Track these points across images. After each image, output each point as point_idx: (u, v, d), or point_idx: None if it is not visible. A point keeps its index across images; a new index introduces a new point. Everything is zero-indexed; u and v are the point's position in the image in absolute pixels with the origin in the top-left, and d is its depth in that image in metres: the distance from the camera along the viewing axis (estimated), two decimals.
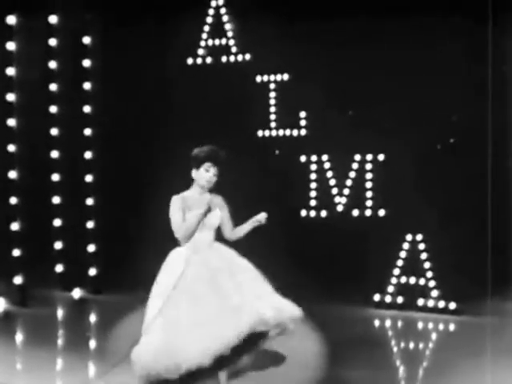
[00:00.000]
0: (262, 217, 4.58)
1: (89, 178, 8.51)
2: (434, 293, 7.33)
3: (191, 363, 4.18)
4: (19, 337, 6.89)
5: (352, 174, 8.26)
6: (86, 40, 8.56)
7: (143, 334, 4.38)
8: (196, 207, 4.43)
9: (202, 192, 4.53)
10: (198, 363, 4.18)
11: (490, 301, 6.91)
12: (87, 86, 8.55)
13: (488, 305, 6.91)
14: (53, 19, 8.36)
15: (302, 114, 8.54)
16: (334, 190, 8.35)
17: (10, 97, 7.93)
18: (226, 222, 4.61)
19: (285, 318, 4.41)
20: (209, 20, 8.87)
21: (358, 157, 8.23)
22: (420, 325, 7.05)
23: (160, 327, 4.29)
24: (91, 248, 8.47)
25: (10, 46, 7.95)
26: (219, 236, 4.68)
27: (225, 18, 8.81)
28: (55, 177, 8.37)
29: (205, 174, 4.50)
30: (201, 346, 4.18)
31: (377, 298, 7.49)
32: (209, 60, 8.89)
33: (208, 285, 4.33)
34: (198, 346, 4.18)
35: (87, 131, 8.54)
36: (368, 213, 8.17)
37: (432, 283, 7.36)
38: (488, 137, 7.48)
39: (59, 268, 8.34)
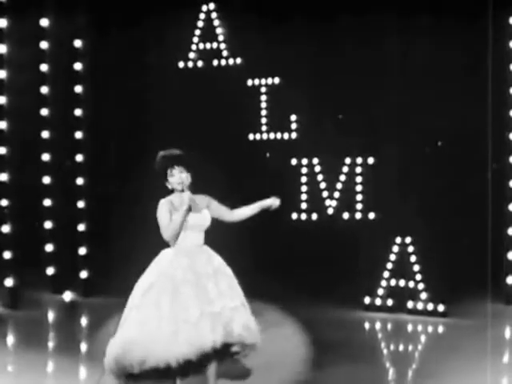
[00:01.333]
0: (273, 202, 4.60)
1: (80, 181, 8.52)
2: (423, 295, 7.38)
3: (157, 361, 4.25)
4: (10, 339, 6.88)
5: (342, 178, 8.31)
6: (78, 43, 8.57)
7: (119, 328, 4.46)
8: (180, 208, 4.51)
9: (187, 191, 4.60)
10: (165, 362, 4.24)
11: (488, 303, 6.96)
12: (78, 89, 8.56)
13: (488, 307, 6.96)
14: (44, 22, 8.37)
15: (293, 118, 8.59)
16: (325, 193, 8.39)
17: (1, 100, 7.94)
18: (219, 209, 4.66)
19: (248, 340, 4.44)
20: (200, 24, 8.90)
21: (348, 160, 8.28)
22: (409, 327, 7.09)
23: (135, 323, 4.36)
24: (82, 251, 8.48)
25: (1, 48, 7.95)
26: (207, 240, 4.71)
27: (216, 22, 8.85)
28: (46, 180, 8.37)
29: (171, 179, 4.61)
30: (172, 348, 4.25)
31: (367, 300, 7.53)
32: (200, 64, 8.92)
33: (193, 288, 4.38)
34: (169, 347, 4.25)
35: (78, 134, 8.55)
36: (358, 216, 8.22)
37: (421, 286, 7.41)
38: (475, 140, 7.56)
39: (50, 271, 8.33)
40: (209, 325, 4.31)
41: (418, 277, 7.43)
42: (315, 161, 8.46)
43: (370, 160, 8.19)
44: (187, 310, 4.32)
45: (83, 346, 6.57)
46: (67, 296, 8.18)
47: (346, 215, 8.26)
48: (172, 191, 4.63)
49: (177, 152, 4.64)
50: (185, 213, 4.46)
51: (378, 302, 7.49)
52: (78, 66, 8.55)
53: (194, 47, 8.93)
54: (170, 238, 4.47)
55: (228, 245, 4.83)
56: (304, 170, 8.50)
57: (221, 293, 4.42)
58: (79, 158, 8.54)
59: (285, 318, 7.05)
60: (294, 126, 8.59)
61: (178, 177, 4.58)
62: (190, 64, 8.95)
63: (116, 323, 6.81)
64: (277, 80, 8.62)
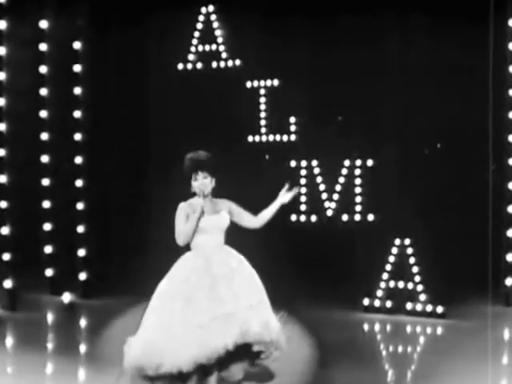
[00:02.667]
0: (286, 195, 4.76)
1: (79, 183, 8.52)
2: (422, 297, 7.39)
3: (172, 366, 4.31)
4: (9, 341, 6.88)
5: (341, 179, 8.32)
6: (77, 45, 8.57)
7: (140, 329, 4.53)
8: (193, 213, 4.59)
9: (202, 196, 4.64)
10: (178, 367, 4.31)
11: (489, 305, 6.97)
12: (78, 90, 8.56)
13: (488, 308, 6.96)
14: (43, 24, 8.38)
15: (292, 120, 8.60)
16: (324, 195, 8.40)
17: (1, 101, 7.94)
18: (241, 214, 4.74)
19: (267, 337, 4.44)
20: (199, 26, 8.91)
21: (347, 162, 8.29)
22: (408, 328, 7.10)
23: (152, 325, 4.44)
24: (81, 252, 8.47)
25: (1, 50, 7.96)
26: (228, 241, 4.75)
27: (215, 24, 8.86)
28: (45, 181, 8.37)
29: (194, 184, 4.66)
30: (184, 352, 4.30)
31: (366, 301, 7.54)
32: (199, 65, 8.93)
33: (206, 292, 4.44)
34: (181, 351, 4.30)
35: (77, 136, 8.55)
36: (357, 217, 8.22)
37: (420, 287, 7.42)
38: (473, 142, 7.57)
39: (49, 272, 8.33)
40: (220, 327, 4.35)
41: (417, 278, 7.44)
42: (314, 163, 8.47)
43: (369, 162, 8.20)
44: (200, 315, 4.37)
45: (82, 348, 6.57)
46: (66, 298, 8.17)
47: (345, 217, 8.27)
48: (194, 194, 4.68)
49: (203, 156, 4.66)
50: (195, 221, 4.54)
51: (377, 303, 7.50)
52: (77, 67, 8.55)
53: (193, 49, 8.94)
54: (180, 243, 4.59)
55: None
56: (303, 172, 8.50)
57: (235, 293, 4.44)
58: (78, 159, 8.54)
59: (284, 320, 7.04)
60: (293, 127, 8.60)
61: (201, 182, 4.63)
62: (189, 66, 8.96)
63: (116, 325, 6.84)
64: (276, 82, 8.63)
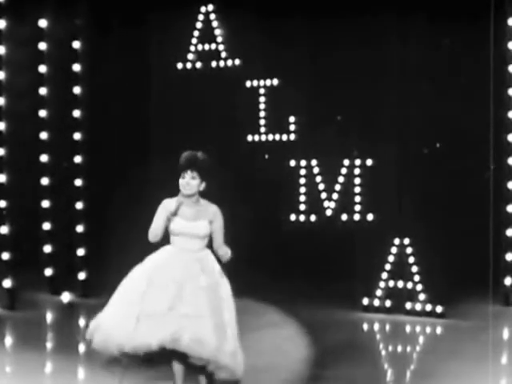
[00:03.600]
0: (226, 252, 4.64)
1: (78, 182, 8.52)
2: (422, 296, 7.39)
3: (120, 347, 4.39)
4: (8, 340, 6.87)
5: (341, 179, 8.31)
6: (76, 44, 8.56)
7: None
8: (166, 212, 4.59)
9: (182, 197, 4.60)
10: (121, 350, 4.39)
11: (490, 304, 6.97)
12: (77, 90, 8.55)
13: (489, 308, 6.96)
14: (43, 23, 8.37)
15: (292, 119, 8.59)
16: (323, 195, 8.39)
17: (0, 101, 7.93)
18: (215, 233, 4.63)
19: (205, 356, 4.35)
20: (198, 25, 8.91)
21: (346, 161, 8.28)
22: (407, 328, 7.10)
23: (110, 303, 4.58)
24: (80, 252, 8.47)
25: (0, 49, 7.95)
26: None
27: (214, 24, 8.86)
28: (44, 180, 8.37)
29: (181, 181, 4.61)
30: (119, 337, 4.39)
31: (365, 301, 7.54)
32: (198, 65, 8.93)
33: (157, 289, 4.45)
34: (127, 335, 4.38)
35: (77, 135, 8.55)
36: (356, 217, 8.22)
37: (419, 287, 7.42)
38: (473, 141, 7.58)
39: (48, 272, 8.32)
40: (152, 325, 4.35)
41: (417, 278, 7.44)
42: (314, 162, 8.46)
43: (369, 161, 8.20)
44: (152, 304, 4.40)
45: (81, 347, 6.56)
46: (65, 297, 8.17)
47: (344, 216, 8.26)
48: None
49: (198, 156, 4.61)
50: (163, 221, 4.55)
51: (377, 303, 7.50)
52: (76, 67, 8.54)
53: (192, 48, 8.94)
54: (150, 239, 4.60)
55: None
56: (303, 172, 8.50)
57: (180, 298, 4.41)
58: (78, 159, 8.53)
59: (283, 319, 7.05)
60: (292, 127, 8.60)
61: (186, 181, 4.58)
62: (189, 65, 8.96)
63: None
64: (275, 81, 8.63)
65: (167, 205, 4.59)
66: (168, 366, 4.58)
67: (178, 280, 4.46)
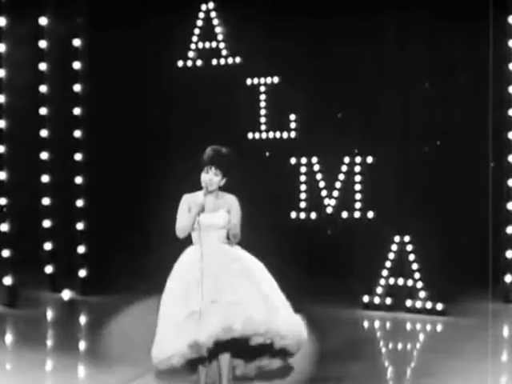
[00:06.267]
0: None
1: (79, 180, 8.52)
2: (422, 294, 7.39)
3: (172, 356, 4.36)
4: (8, 338, 6.88)
5: (341, 177, 8.31)
6: (76, 42, 8.57)
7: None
8: (193, 208, 4.58)
9: (206, 193, 4.62)
10: (171, 358, 4.36)
11: (489, 302, 6.97)
12: (77, 88, 8.56)
13: (489, 305, 6.96)
14: (43, 21, 8.37)
15: (292, 117, 8.59)
16: (324, 192, 8.39)
17: (0, 98, 7.94)
18: (232, 223, 4.66)
19: (262, 330, 4.35)
20: (199, 23, 8.90)
21: (347, 159, 8.28)
22: (408, 325, 7.10)
23: (159, 324, 4.52)
24: (81, 249, 8.48)
25: (0, 47, 7.96)
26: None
27: (215, 22, 8.85)
28: (45, 178, 8.37)
29: (204, 176, 4.63)
30: (174, 344, 4.35)
31: (365, 299, 7.54)
32: (199, 63, 8.92)
33: (195, 287, 4.43)
34: (172, 343, 4.36)
35: (77, 133, 8.55)
36: (357, 215, 8.21)
37: (420, 284, 7.42)
38: (473, 139, 7.57)
39: (49, 269, 8.34)
40: (196, 323, 4.34)
41: (417, 275, 7.44)
42: (314, 160, 8.46)
43: (369, 159, 8.19)
44: (191, 306, 4.39)
45: (82, 345, 6.57)
46: (66, 294, 8.18)
47: (344, 214, 8.26)
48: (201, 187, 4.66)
49: (224, 153, 4.65)
50: (193, 218, 4.54)
51: (377, 300, 7.50)
52: (76, 64, 8.55)
53: (193, 46, 8.93)
54: (179, 236, 4.59)
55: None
56: (303, 169, 8.50)
57: (217, 289, 4.42)
58: (78, 156, 8.54)
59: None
60: (293, 125, 8.60)
61: (210, 177, 4.60)
62: (189, 63, 8.95)
63: (116, 322, 6.84)
64: (276, 79, 8.62)
65: (190, 199, 4.60)
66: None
67: (213, 273, 4.47)
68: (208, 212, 4.61)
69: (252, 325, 4.34)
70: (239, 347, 4.43)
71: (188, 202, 4.60)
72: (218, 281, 4.45)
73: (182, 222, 4.56)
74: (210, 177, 4.59)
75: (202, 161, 4.63)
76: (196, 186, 4.67)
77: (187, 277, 4.50)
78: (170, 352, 4.35)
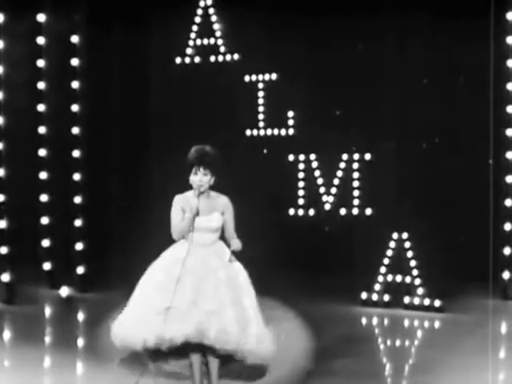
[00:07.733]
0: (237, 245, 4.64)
1: (77, 176, 8.51)
2: (420, 291, 7.40)
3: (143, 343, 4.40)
4: (7, 334, 6.88)
5: (339, 173, 8.32)
6: (74, 39, 8.55)
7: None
8: (188, 210, 4.56)
9: (198, 194, 4.58)
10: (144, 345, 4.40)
11: (489, 298, 6.98)
12: (75, 84, 8.54)
13: (489, 302, 6.97)
14: (41, 18, 8.36)
15: (290, 114, 8.59)
16: (322, 189, 8.40)
17: None
18: (227, 223, 4.65)
19: (231, 347, 4.39)
20: (197, 20, 8.89)
21: (345, 156, 8.29)
22: (406, 322, 7.11)
23: (129, 307, 4.57)
24: (79, 246, 8.47)
25: None
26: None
27: (213, 18, 8.84)
28: (43, 174, 8.37)
29: (193, 178, 4.58)
30: (143, 334, 4.39)
31: (364, 295, 7.55)
32: (197, 59, 8.92)
33: (173, 283, 4.45)
34: (142, 332, 4.40)
35: (75, 130, 8.54)
36: (355, 211, 8.22)
37: (418, 281, 7.43)
38: (472, 136, 7.58)
39: (47, 266, 8.33)
40: (173, 319, 4.36)
41: (415, 272, 7.45)
42: (312, 157, 8.46)
43: (367, 156, 8.20)
44: (158, 303, 4.42)
45: (80, 342, 6.57)
46: (64, 291, 8.18)
47: (343, 211, 8.27)
48: (191, 187, 4.63)
49: (210, 152, 4.59)
50: (190, 222, 4.52)
51: (375, 297, 7.51)
52: (74, 61, 8.53)
53: (191, 43, 8.92)
54: (175, 238, 4.59)
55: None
56: (301, 166, 8.50)
57: (199, 292, 4.43)
58: (76, 153, 8.53)
59: (281, 314, 7.05)
60: (291, 122, 8.59)
61: (200, 178, 4.56)
62: (188, 60, 8.94)
63: (113, 319, 6.83)
64: (274, 76, 8.62)
65: (183, 200, 4.58)
66: (184, 361, 4.57)
67: (199, 274, 4.48)
68: (202, 215, 4.57)
69: (224, 338, 4.38)
70: (209, 352, 4.48)
71: (180, 203, 4.57)
72: (202, 284, 4.46)
73: (178, 226, 4.55)
74: (200, 177, 4.55)
75: (188, 162, 4.59)
76: (186, 187, 4.65)
77: (169, 270, 4.50)
78: (135, 336, 4.38)
